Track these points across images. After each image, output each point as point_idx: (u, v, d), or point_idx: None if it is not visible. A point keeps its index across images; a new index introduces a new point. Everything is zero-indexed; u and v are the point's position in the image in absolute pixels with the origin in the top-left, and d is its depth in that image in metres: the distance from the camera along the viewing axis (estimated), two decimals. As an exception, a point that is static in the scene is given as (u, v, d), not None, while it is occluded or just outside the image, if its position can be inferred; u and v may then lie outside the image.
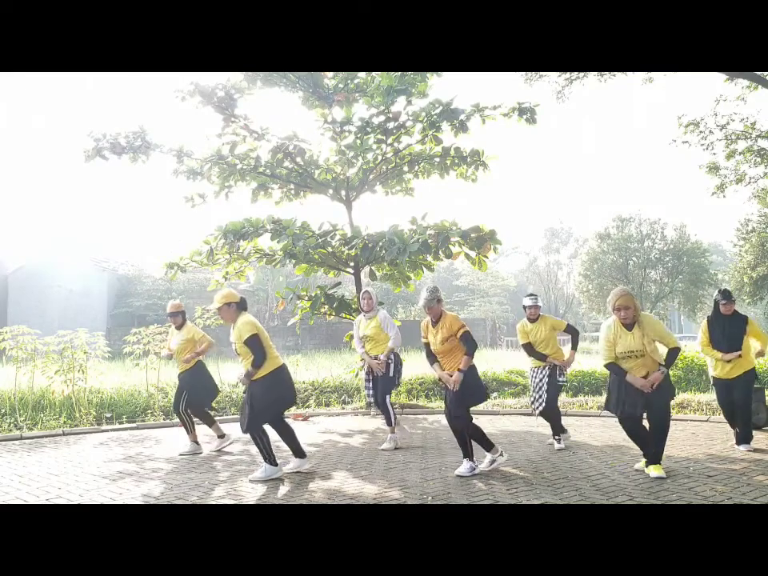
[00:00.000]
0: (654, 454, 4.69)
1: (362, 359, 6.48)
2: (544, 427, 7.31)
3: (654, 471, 4.63)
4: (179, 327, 6.41)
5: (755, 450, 5.62)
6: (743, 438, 5.73)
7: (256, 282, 33.57)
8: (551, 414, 6.02)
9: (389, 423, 6.25)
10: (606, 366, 4.67)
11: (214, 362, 11.12)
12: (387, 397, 6.22)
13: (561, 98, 12.91)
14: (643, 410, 4.68)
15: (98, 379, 8.97)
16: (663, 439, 4.71)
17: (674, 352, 4.63)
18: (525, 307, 6.07)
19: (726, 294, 5.81)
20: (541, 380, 6.02)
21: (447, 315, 5.04)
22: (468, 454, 4.88)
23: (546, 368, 5.98)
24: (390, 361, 6.24)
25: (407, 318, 37.16)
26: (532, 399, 6.16)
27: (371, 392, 6.40)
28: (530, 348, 6.00)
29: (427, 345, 5.13)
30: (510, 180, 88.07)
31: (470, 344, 4.88)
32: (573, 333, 6.08)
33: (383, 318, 6.28)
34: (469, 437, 4.91)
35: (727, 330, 5.74)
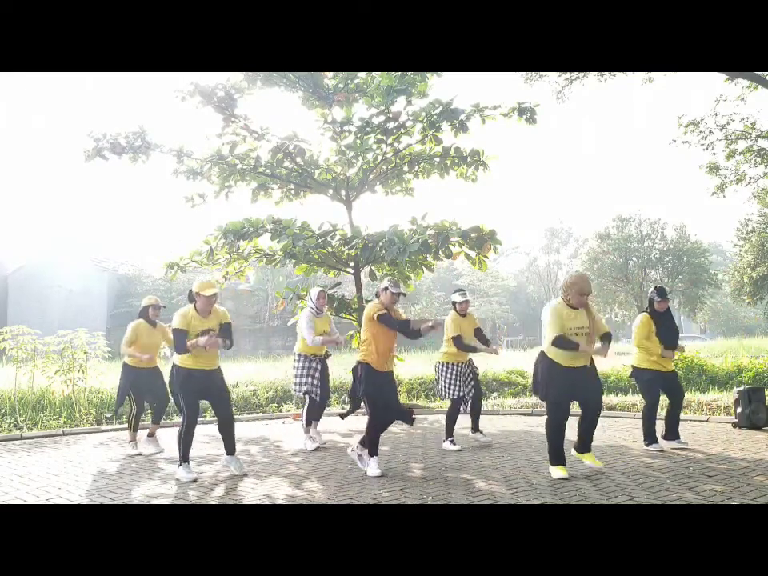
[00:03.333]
0: (588, 442, 4.87)
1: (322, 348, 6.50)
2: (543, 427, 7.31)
3: (590, 461, 4.83)
4: (155, 324, 6.28)
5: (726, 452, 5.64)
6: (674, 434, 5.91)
7: (256, 282, 33.56)
8: (479, 407, 6.29)
9: (350, 412, 6.10)
10: (557, 338, 4.59)
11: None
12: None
13: (561, 97, 12.92)
14: (573, 398, 4.87)
15: (98, 379, 8.97)
16: (595, 427, 4.88)
17: (607, 336, 4.79)
18: (455, 303, 6.18)
19: (662, 292, 5.92)
20: (468, 374, 6.13)
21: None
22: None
23: (470, 363, 6.20)
24: (327, 356, 6.63)
25: (407, 319, 37.12)
26: (461, 393, 6.09)
27: (317, 389, 6.30)
28: (459, 340, 6.04)
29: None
30: (510, 180, 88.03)
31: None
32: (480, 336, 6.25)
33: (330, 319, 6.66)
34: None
35: (670, 325, 5.92)
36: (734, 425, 6.88)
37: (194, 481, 4.84)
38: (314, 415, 6.45)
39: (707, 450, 5.73)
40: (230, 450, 5.06)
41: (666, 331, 5.84)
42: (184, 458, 4.93)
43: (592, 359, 4.80)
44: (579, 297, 4.63)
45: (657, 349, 5.75)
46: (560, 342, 4.59)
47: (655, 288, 5.99)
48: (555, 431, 4.79)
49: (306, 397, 6.40)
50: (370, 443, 5.03)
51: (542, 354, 4.82)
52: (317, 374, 6.34)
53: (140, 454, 6.11)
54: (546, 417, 4.90)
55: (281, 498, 4.32)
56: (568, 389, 4.70)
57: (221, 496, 4.41)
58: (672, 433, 5.89)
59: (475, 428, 6.26)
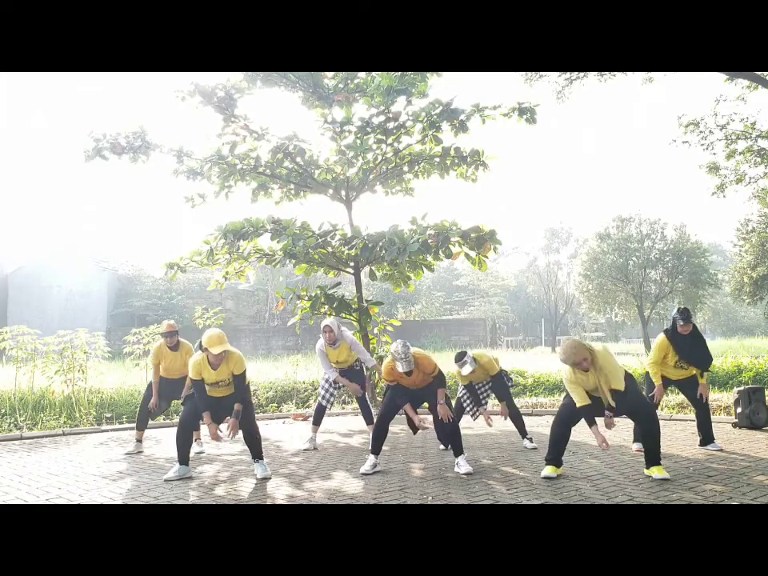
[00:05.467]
0: (649, 455, 4.70)
1: (339, 382, 6.46)
2: (544, 427, 7.31)
3: (655, 473, 4.64)
4: (175, 349, 6.22)
5: (724, 451, 5.63)
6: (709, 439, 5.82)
7: (256, 282, 33.56)
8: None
9: (369, 422, 6.34)
10: (580, 409, 4.59)
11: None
12: (365, 393, 6.50)
13: (561, 98, 12.91)
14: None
15: (98, 379, 8.97)
16: (651, 436, 4.70)
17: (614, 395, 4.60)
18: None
19: (686, 315, 5.62)
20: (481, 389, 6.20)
21: (419, 357, 5.11)
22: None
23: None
24: (357, 367, 6.53)
25: (407, 318, 37.18)
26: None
27: (333, 398, 6.51)
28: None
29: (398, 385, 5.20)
30: (510, 180, 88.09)
31: (441, 380, 5.21)
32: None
33: (351, 341, 6.40)
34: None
35: (696, 346, 5.67)
36: (734, 425, 6.88)
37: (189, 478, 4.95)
38: (316, 416, 6.53)
39: (707, 450, 5.73)
40: (254, 455, 5.09)
41: (690, 354, 5.62)
42: (180, 460, 4.98)
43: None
44: (574, 367, 4.56)
45: (670, 370, 5.69)
46: (584, 414, 4.62)
47: (678, 310, 5.69)
48: (557, 425, 4.79)
49: (320, 399, 6.54)
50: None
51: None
52: (337, 385, 6.46)
53: (140, 453, 6.13)
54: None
55: (281, 498, 4.32)
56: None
57: (221, 496, 4.41)
58: (705, 438, 5.80)
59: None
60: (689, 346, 5.62)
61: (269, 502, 4.25)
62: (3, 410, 8.16)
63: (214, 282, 9.56)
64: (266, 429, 7.90)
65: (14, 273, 36.26)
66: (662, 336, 5.76)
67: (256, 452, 5.06)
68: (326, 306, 8.86)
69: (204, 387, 4.95)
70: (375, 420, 5.23)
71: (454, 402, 6.32)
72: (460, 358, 5.74)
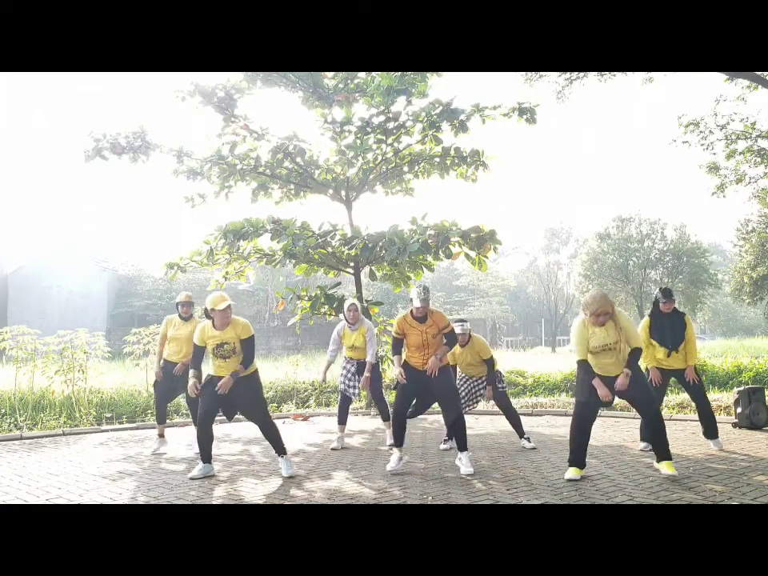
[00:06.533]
0: (658, 449, 4.69)
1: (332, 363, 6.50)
2: (544, 427, 7.32)
3: (664, 468, 4.60)
4: (187, 319, 6.25)
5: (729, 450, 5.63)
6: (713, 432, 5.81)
7: (256, 282, 33.57)
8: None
9: (386, 418, 6.29)
10: (578, 363, 4.64)
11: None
12: (382, 391, 6.45)
13: (561, 98, 12.91)
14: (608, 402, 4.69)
15: (98, 379, 8.97)
16: (657, 430, 4.69)
17: (636, 352, 4.62)
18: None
19: (666, 293, 5.75)
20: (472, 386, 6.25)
21: (435, 312, 5.12)
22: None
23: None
24: (378, 362, 6.57)
25: (407, 318, 37.09)
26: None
27: (354, 390, 6.47)
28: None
29: (400, 339, 5.16)
30: (510, 180, 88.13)
31: (452, 339, 5.13)
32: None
33: (369, 328, 6.36)
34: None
35: (673, 327, 5.74)
36: (734, 425, 6.88)
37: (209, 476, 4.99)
38: (341, 414, 6.46)
39: (707, 450, 5.73)
40: (277, 451, 5.09)
41: (667, 333, 5.71)
42: (202, 458, 5.02)
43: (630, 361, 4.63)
44: (595, 318, 4.54)
45: (657, 353, 5.71)
46: (580, 369, 4.62)
47: (660, 289, 5.86)
48: (575, 429, 4.76)
49: (339, 394, 6.59)
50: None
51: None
52: (349, 375, 6.45)
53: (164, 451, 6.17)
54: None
55: (281, 498, 4.32)
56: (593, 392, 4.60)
57: (221, 496, 4.41)
58: (708, 432, 5.80)
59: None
60: (667, 326, 5.72)
61: (269, 502, 4.25)
62: (3, 410, 8.16)
63: (214, 281, 9.56)
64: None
65: (14, 273, 36.27)
66: (645, 317, 5.92)
67: (278, 448, 5.06)
68: (326, 306, 8.87)
69: (202, 352, 4.98)
70: (392, 414, 5.21)
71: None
72: (460, 321, 5.99)
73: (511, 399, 9.81)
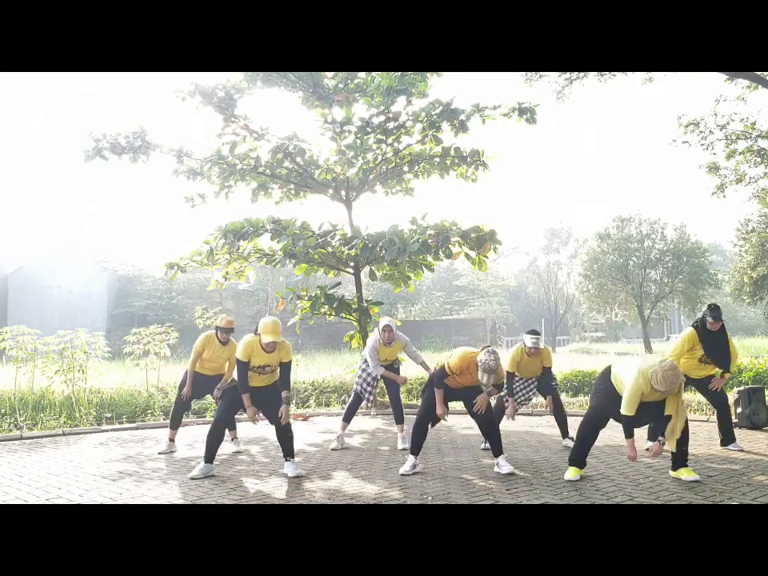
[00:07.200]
0: (676, 458, 4.68)
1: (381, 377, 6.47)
2: (544, 427, 7.31)
3: (684, 475, 4.59)
4: (225, 343, 6.14)
5: (742, 451, 5.63)
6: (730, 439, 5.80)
7: (256, 282, 33.54)
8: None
9: (399, 421, 6.29)
10: (627, 418, 4.49)
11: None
12: (400, 394, 6.51)
13: (561, 98, 12.91)
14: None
15: (98, 379, 8.96)
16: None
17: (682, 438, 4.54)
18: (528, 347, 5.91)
19: (716, 312, 5.64)
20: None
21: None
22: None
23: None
24: (396, 365, 6.63)
25: (407, 319, 37.16)
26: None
27: (370, 396, 6.50)
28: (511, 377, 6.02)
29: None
30: (510, 180, 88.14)
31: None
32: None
33: (405, 340, 6.40)
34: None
35: (719, 344, 5.69)
36: (735, 425, 6.88)
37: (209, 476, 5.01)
38: (348, 413, 6.47)
39: (707, 450, 5.73)
40: (285, 454, 5.10)
41: (714, 351, 5.66)
42: (205, 458, 5.04)
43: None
44: (663, 391, 4.34)
45: (693, 365, 5.71)
46: (624, 422, 4.53)
47: (709, 306, 5.75)
48: (586, 426, 4.75)
49: (353, 393, 6.57)
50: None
51: (608, 373, 4.80)
52: (369, 379, 6.44)
53: (172, 452, 6.17)
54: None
55: (281, 498, 4.32)
56: (613, 408, 4.59)
57: (221, 496, 4.41)
58: (726, 441, 5.80)
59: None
60: (714, 343, 5.69)
61: (269, 502, 4.24)
62: (3, 410, 8.16)
63: (214, 281, 9.56)
64: (267, 429, 7.90)
65: (14, 273, 36.25)
66: (690, 329, 5.81)
67: (288, 450, 5.08)
68: (326, 306, 8.87)
69: (247, 371, 4.98)
70: (415, 420, 5.10)
71: (494, 402, 6.29)
72: (535, 333, 5.89)
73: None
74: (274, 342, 4.86)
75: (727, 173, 14.32)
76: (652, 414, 4.54)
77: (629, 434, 4.51)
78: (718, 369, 5.74)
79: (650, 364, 4.33)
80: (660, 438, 4.53)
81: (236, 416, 5.91)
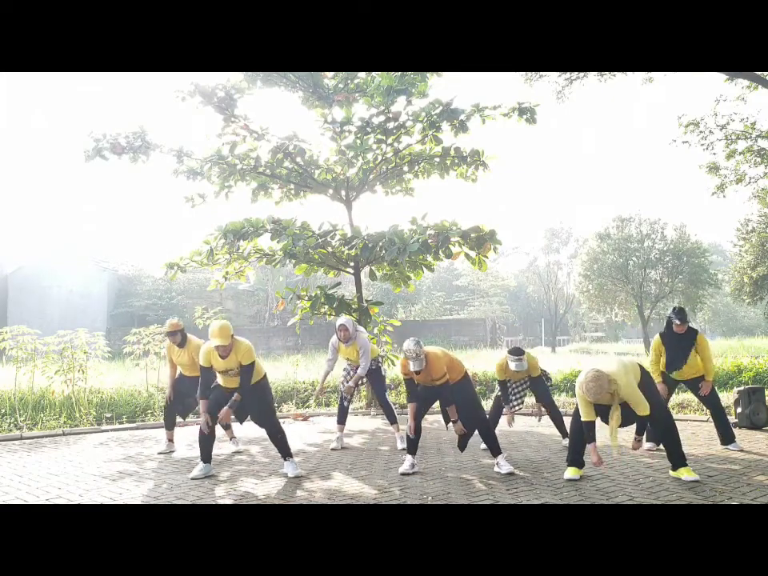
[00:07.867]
0: (671, 458, 4.70)
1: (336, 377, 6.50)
2: (544, 427, 7.31)
3: (684, 475, 4.59)
4: (181, 345, 6.13)
5: (741, 450, 5.63)
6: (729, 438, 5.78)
7: (256, 282, 33.54)
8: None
9: (393, 421, 6.29)
10: (585, 423, 4.55)
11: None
12: (385, 393, 6.48)
13: (561, 98, 12.92)
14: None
15: (98, 379, 8.96)
16: (665, 438, 4.73)
17: (640, 424, 4.62)
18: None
19: (681, 315, 5.62)
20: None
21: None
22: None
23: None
24: (379, 365, 6.56)
25: (407, 318, 37.18)
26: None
27: (350, 395, 6.51)
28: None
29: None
30: (510, 180, 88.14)
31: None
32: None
33: (363, 345, 6.24)
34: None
35: (678, 347, 5.67)
36: (734, 425, 6.88)
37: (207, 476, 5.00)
38: (340, 414, 6.48)
39: (707, 450, 5.73)
40: (282, 454, 5.09)
41: (675, 353, 5.64)
42: (202, 458, 5.05)
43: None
44: (594, 401, 4.44)
45: (658, 378, 5.67)
46: (584, 427, 4.58)
47: (674, 309, 5.72)
48: (576, 425, 4.75)
49: (339, 394, 6.63)
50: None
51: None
52: (349, 378, 6.46)
53: (172, 452, 6.19)
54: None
55: (281, 498, 4.32)
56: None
57: (221, 496, 4.41)
58: (725, 441, 5.78)
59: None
60: (681, 345, 5.66)
61: (269, 502, 4.24)
62: (3, 410, 8.16)
63: (214, 281, 9.56)
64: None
65: (14, 273, 36.25)
66: (656, 336, 5.86)
67: (284, 451, 5.07)
68: (326, 306, 8.86)
69: (210, 376, 4.99)
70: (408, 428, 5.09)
71: (492, 402, 6.28)
72: (516, 353, 5.70)
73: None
74: (222, 345, 4.77)
75: (727, 173, 14.33)
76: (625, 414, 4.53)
77: (590, 439, 4.54)
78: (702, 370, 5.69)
79: (585, 373, 4.45)
80: (636, 435, 4.62)
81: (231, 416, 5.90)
